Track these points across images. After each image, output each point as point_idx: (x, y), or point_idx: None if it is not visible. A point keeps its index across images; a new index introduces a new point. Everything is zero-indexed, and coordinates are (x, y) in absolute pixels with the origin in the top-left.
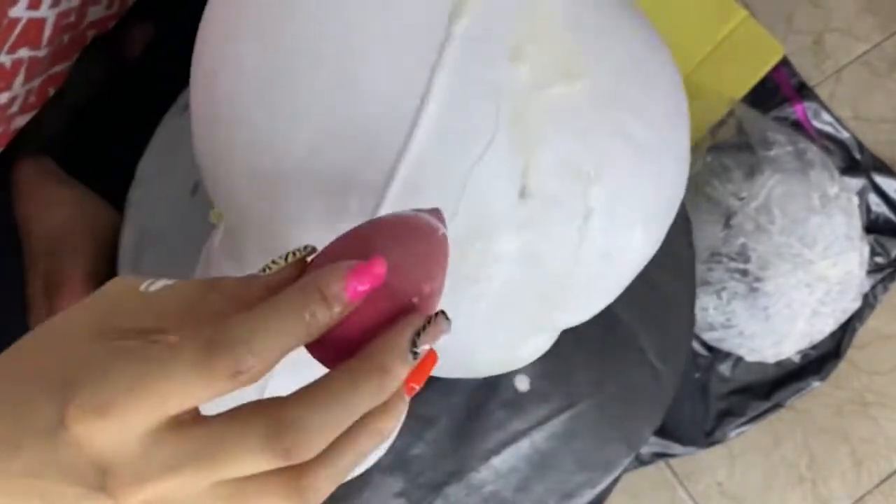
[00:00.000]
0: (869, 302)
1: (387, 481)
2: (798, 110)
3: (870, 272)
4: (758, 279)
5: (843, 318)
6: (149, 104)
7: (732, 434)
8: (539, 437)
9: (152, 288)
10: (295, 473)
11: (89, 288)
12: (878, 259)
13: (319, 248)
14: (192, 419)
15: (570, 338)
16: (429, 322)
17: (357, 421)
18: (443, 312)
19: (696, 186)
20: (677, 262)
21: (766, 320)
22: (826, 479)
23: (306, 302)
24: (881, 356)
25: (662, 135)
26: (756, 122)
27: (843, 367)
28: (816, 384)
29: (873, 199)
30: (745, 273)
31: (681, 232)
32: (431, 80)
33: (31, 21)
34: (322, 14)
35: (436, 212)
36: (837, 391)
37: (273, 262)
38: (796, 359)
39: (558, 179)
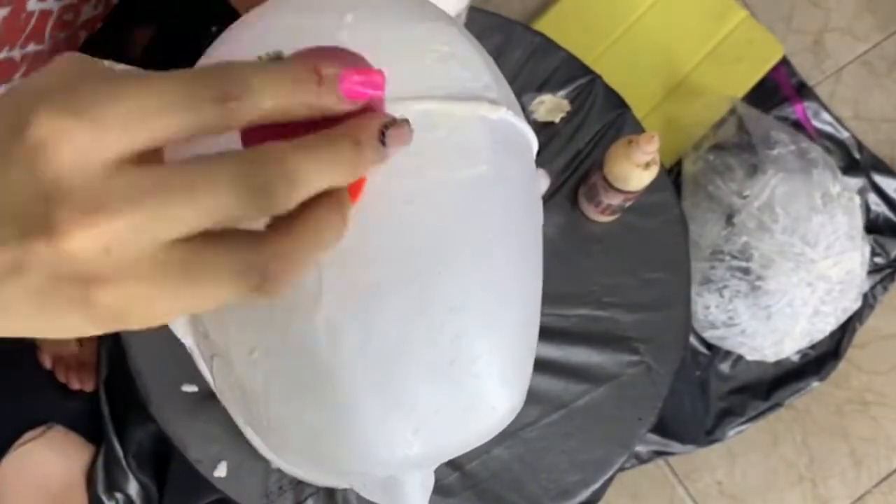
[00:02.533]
0: (868, 302)
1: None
2: (798, 110)
3: (869, 272)
4: (760, 278)
5: (843, 317)
6: None
7: (732, 433)
8: (531, 437)
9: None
10: (255, 244)
11: None
12: (878, 259)
13: None
14: (161, 161)
15: (563, 337)
16: (394, 123)
17: (317, 200)
18: (408, 121)
19: (699, 185)
20: (673, 261)
21: (767, 319)
22: (825, 478)
23: (307, 76)
24: (881, 356)
25: None
26: (758, 121)
27: (842, 366)
28: (815, 384)
29: (873, 199)
30: (747, 271)
31: (676, 231)
32: None
33: (40, 14)
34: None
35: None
36: (837, 391)
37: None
38: (795, 358)
39: None
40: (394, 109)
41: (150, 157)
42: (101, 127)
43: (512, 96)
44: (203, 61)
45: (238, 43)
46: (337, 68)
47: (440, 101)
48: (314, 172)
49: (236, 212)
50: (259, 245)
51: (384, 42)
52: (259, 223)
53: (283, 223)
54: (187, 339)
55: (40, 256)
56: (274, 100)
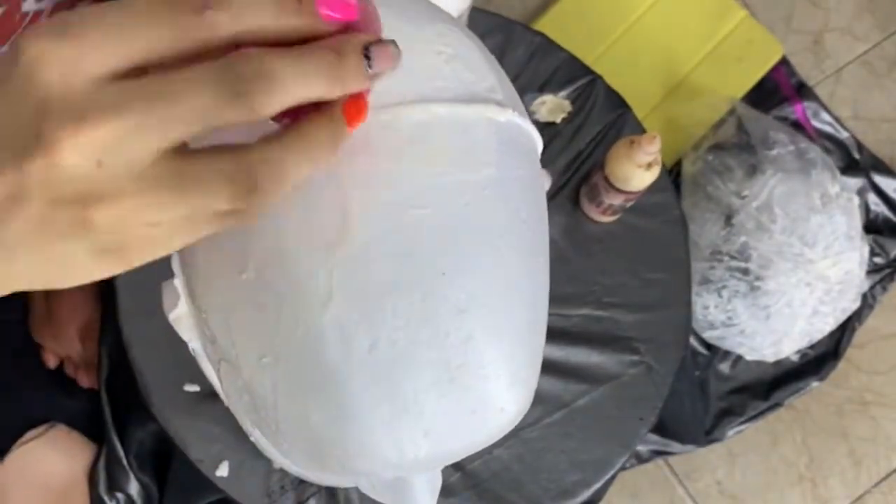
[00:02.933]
0: (868, 302)
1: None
2: (798, 110)
3: (869, 272)
4: (758, 278)
5: (842, 317)
6: None
7: (731, 433)
8: (532, 437)
9: None
10: (244, 150)
11: (87, 287)
12: (877, 259)
13: None
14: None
15: (564, 337)
16: (379, 41)
17: (307, 115)
18: (394, 42)
19: (698, 185)
20: (673, 262)
21: (766, 319)
22: (825, 478)
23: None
24: (880, 356)
25: None
26: (757, 121)
27: (842, 366)
28: (815, 384)
29: (872, 199)
30: (745, 272)
31: (677, 231)
32: None
33: (35, 15)
34: None
35: None
36: (837, 390)
37: None
38: (795, 358)
39: None
40: (403, 113)
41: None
42: (84, 43)
43: (516, 97)
44: None
45: None
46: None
47: (448, 104)
48: (291, 76)
49: (218, 114)
50: (248, 151)
51: None
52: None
53: (272, 135)
54: (194, 343)
55: (37, 177)
56: (253, 16)
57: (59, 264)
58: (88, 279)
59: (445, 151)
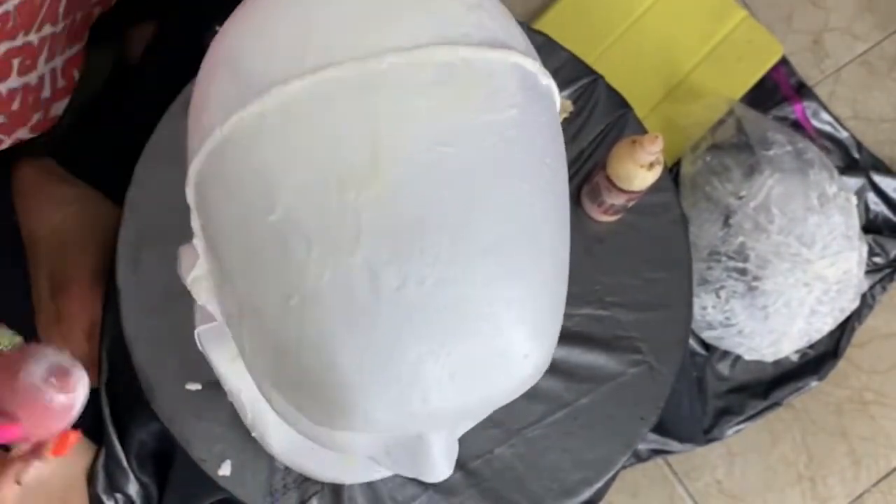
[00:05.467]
0: (867, 302)
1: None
2: (797, 110)
3: (868, 272)
4: (756, 278)
5: (841, 317)
6: (149, 104)
7: (730, 432)
8: (534, 436)
9: None
10: None
11: (95, 286)
12: (877, 259)
13: None
14: None
15: (565, 337)
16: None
17: None
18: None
19: (696, 185)
20: (674, 261)
21: (764, 319)
22: (825, 477)
23: None
24: (880, 355)
25: None
26: (756, 121)
27: (842, 365)
28: (814, 384)
29: (872, 199)
30: (743, 272)
31: (678, 231)
32: None
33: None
34: None
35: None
36: (836, 390)
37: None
38: (794, 358)
39: None
40: (430, 53)
41: None
42: None
43: (534, 50)
44: (205, 62)
45: (240, 35)
46: None
47: (473, 48)
48: None
49: None
50: None
51: None
52: None
53: None
54: (211, 305)
55: None
56: None
57: None
58: None
59: (470, 92)
